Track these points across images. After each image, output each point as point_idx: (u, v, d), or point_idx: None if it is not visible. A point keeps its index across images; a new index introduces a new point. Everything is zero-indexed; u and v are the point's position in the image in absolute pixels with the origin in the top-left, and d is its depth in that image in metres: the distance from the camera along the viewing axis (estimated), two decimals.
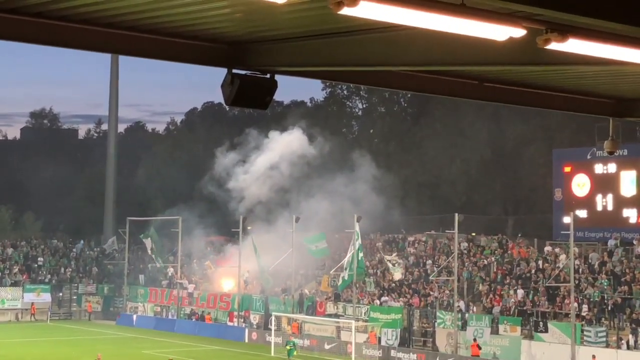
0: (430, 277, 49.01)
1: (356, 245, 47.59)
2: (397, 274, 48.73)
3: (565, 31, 7.43)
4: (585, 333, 40.11)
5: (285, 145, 60.42)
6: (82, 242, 70.06)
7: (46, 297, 61.77)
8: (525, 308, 43.89)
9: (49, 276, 64.23)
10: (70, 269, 65.73)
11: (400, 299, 49.00)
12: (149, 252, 60.47)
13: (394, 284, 50.62)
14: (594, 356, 38.62)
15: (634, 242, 45.57)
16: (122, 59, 77.84)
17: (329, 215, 53.85)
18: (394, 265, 48.33)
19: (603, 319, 41.26)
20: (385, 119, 72.99)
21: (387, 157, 60.49)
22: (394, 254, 50.87)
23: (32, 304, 60.86)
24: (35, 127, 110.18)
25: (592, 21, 7.49)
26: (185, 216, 60.84)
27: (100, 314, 63.45)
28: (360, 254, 47.88)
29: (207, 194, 64.35)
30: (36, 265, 65.15)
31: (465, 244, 52.03)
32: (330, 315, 49.99)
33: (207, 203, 64.19)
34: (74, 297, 63.94)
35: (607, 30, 7.74)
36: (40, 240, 69.43)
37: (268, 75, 10.56)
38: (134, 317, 59.76)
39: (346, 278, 48.31)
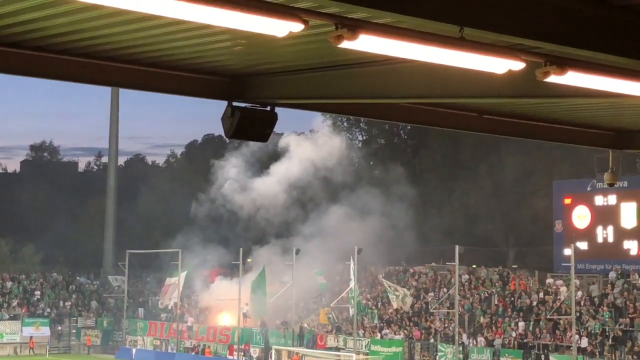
0: (431, 310, 48.80)
1: (353, 278, 47.50)
2: (396, 303, 48.34)
3: (564, 64, 7.46)
4: None
5: (312, 151, 59.33)
6: (85, 278, 69.83)
7: (45, 330, 61.37)
8: (526, 341, 43.65)
9: (48, 309, 63.94)
10: (70, 303, 65.43)
11: (401, 331, 48.75)
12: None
13: (396, 317, 50.36)
14: None
15: (637, 276, 45.30)
16: (122, 92, 78.08)
17: (328, 247, 53.69)
18: (396, 294, 47.92)
19: (605, 351, 41.02)
20: (385, 151, 73.04)
21: (386, 189, 60.37)
22: (399, 290, 50.34)
23: (31, 337, 60.46)
24: (35, 160, 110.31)
25: (591, 54, 7.53)
26: (188, 245, 60.50)
27: (100, 347, 63.04)
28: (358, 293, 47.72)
29: (208, 220, 63.85)
30: (35, 298, 64.88)
31: (466, 276, 51.86)
32: (330, 349, 49.69)
33: (209, 232, 63.64)
34: (73, 331, 63.58)
35: (606, 62, 7.77)
36: (40, 274, 69.19)
37: (268, 108, 10.59)
38: (133, 350, 59.36)
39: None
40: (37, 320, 61.75)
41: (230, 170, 62.74)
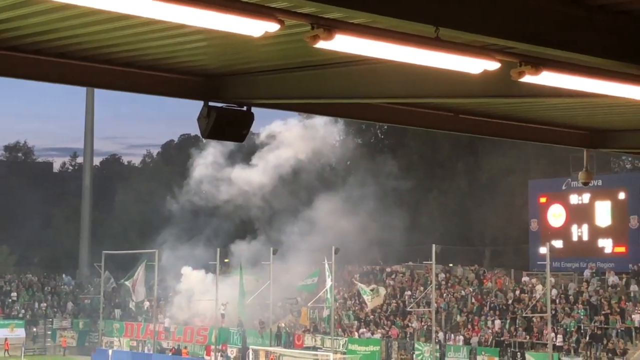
0: (408, 308, 48.94)
1: (329, 280, 47.49)
2: (371, 303, 48.24)
3: (538, 64, 7.50)
4: None
5: (298, 141, 58.89)
6: (69, 278, 69.51)
7: (20, 332, 60.93)
8: (502, 339, 43.88)
9: (23, 311, 63.49)
10: (45, 304, 65.01)
11: (379, 330, 48.83)
12: (134, 292, 57.39)
13: (373, 315, 50.42)
14: None
15: (612, 274, 45.67)
16: (98, 92, 77.65)
17: (308, 246, 53.62)
18: (371, 290, 47.71)
19: (580, 348, 41.32)
20: (362, 150, 73.10)
21: (364, 188, 60.41)
22: (371, 285, 50.27)
23: (6, 339, 59.98)
24: (9, 161, 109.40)
25: (565, 54, 7.58)
26: (167, 244, 60.13)
27: (75, 349, 62.67)
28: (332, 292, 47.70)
29: (187, 216, 63.39)
30: (10, 300, 64.40)
31: (443, 275, 52.03)
32: (308, 348, 49.68)
33: (189, 229, 63.17)
34: (49, 332, 63.17)
35: (580, 62, 7.83)
36: (15, 275, 68.69)
37: (244, 108, 10.57)
38: (110, 352, 58.97)
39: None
40: (12, 322, 61.30)
41: (208, 159, 62.01)
